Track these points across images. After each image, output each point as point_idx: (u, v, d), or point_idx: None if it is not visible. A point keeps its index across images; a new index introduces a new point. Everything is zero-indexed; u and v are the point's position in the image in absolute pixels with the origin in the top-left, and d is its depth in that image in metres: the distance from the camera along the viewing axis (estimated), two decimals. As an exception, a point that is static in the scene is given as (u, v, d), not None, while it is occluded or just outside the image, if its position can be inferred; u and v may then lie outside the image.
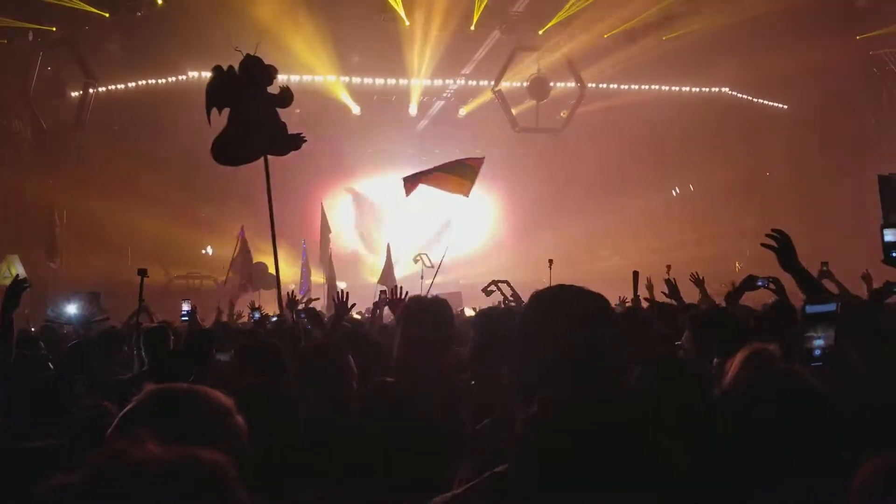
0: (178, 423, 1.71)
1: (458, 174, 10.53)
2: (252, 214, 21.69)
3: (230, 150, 6.79)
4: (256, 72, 6.77)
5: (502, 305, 9.69)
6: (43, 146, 20.20)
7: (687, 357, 3.90)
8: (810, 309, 2.84)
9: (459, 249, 25.62)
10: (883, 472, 1.68)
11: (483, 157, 10.63)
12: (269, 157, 6.88)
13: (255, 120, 6.74)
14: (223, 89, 6.69)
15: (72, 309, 9.63)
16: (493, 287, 10.63)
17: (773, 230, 3.59)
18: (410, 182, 10.15)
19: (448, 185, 10.48)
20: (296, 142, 6.95)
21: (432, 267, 13.06)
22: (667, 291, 7.13)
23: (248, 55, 6.78)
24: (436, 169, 10.55)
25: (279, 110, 6.92)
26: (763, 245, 3.57)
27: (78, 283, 14.71)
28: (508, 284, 10.19)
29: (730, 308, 5.81)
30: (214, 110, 6.68)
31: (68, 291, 11.15)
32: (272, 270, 20.50)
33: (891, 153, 21.26)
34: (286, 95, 6.95)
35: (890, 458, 1.69)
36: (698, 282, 7.86)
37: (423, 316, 3.26)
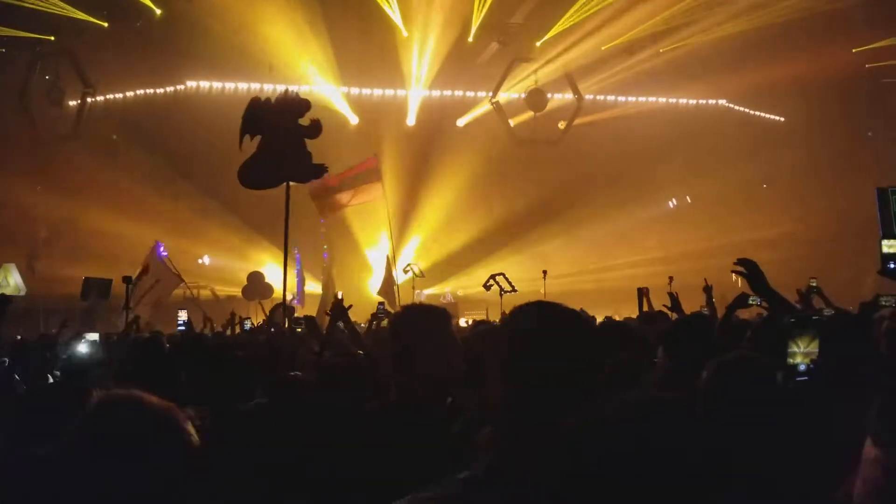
0: (123, 430, 1.74)
1: (363, 181, 10.93)
2: (247, 224, 21.75)
3: (255, 175, 7.10)
4: (292, 104, 7.07)
5: (501, 296, 9.94)
6: (39, 155, 20.16)
7: (660, 371, 3.75)
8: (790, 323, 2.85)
9: (455, 259, 25.64)
10: None
11: (375, 154, 11.13)
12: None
13: (283, 149, 7.03)
14: (258, 118, 7.00)
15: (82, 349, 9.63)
16: (491, 282, 10.85)
17: (738, 259, 3.70)
18: (320, 200, 10.54)
19: (363, 196, 10.88)
20: (318, 171, 7.33)
21: (423, 276, 13.13)
22: (669, 305, 7.12)
23: (287, 89, 7.19)
24: (338, 191, 10.88)
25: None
26: (733, 272, 3.68)
27: (72, 291, 14.65)
28: (504, 277, 10.43)
29: (725, 328, 5.77)
30: (247, 136, 6.99)
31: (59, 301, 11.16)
32: (268, 280, 20.48)
33: (888, 166, 21.29)
34: (315, 127, 7.22)
35: None
36: (708, 289, 7.82)
37: (416, 324, 3.08)
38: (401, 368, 2.86)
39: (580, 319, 1.90)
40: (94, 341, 7.28)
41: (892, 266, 3.68)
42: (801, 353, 2.69)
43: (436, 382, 2.81)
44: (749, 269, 3.69)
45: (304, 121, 7.36)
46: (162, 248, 15.09)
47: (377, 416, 2.83)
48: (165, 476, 1.75)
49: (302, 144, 7.29)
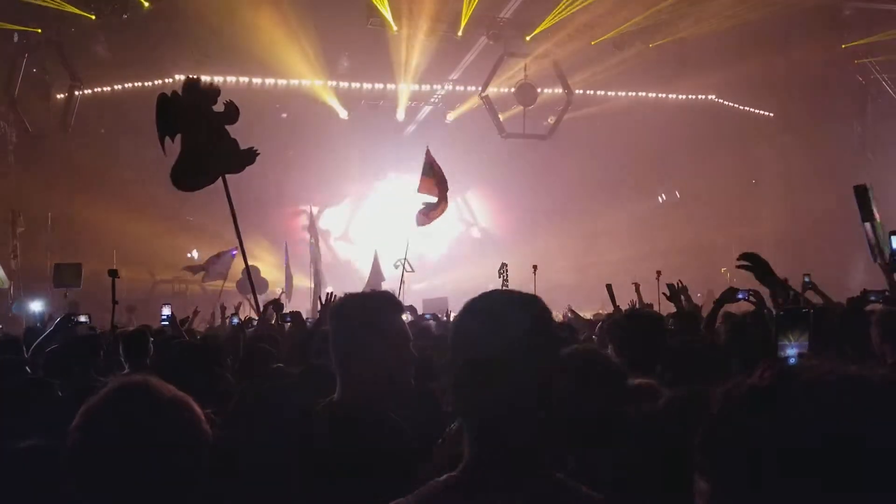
0: (140, 416, 1.72)
1: (427, 175, 10.97)
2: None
3: (187, 177, 6.85)
4: (201, 94, 6.80)
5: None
6: (28, 148, 20.03)
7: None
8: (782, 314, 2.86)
9: (445, 254, 25.66)
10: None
11: (427, 148, 11.21)
12: (230, 175, 6.97)
13: (206, 142, 6.76)
14: (171, 116, 6.71)
15: (36, 306, 9.59)
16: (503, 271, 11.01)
17: (742, 254, 3.79)
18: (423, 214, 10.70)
19: (426, 188, 10.91)
20: (249, 157, 7.02)
21: (413, 271, 13.15)
22: (667, 294, 7.16)
23: (188, 78, 6.83)
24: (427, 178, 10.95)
25: (230, 127, 6.99)
26: (738, 266, 3.74)
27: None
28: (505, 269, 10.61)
29: (710, 323, 5.79)
30: (168, 139, 6.72)
31: (35, 288, 11.16)
32: (264, 275, 20.45)
33: (875, 161, 21.42)
34: (231, 111, 6.99)
35: None
36: (681, 289, 7.86)
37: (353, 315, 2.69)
38: (341, 364, 2.59)
39: (531, 309, 1.73)
40: (85, 322, 7.24)
41: None
42: (792, 345, 2.68)
43: (376, 380, 2.54)
44: (753, 262, 3.75)
45: (218, 107, 7.06)
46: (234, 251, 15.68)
47: (318, 416, 2.56)
48: (180, 465, 1.73)
49: (224, 132, 7.00)
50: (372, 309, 2.64)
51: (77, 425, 1.73)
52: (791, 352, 2.67)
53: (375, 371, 2.52)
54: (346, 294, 2.92)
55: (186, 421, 1.77)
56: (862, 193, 5.47)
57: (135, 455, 1.68)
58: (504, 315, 1.68)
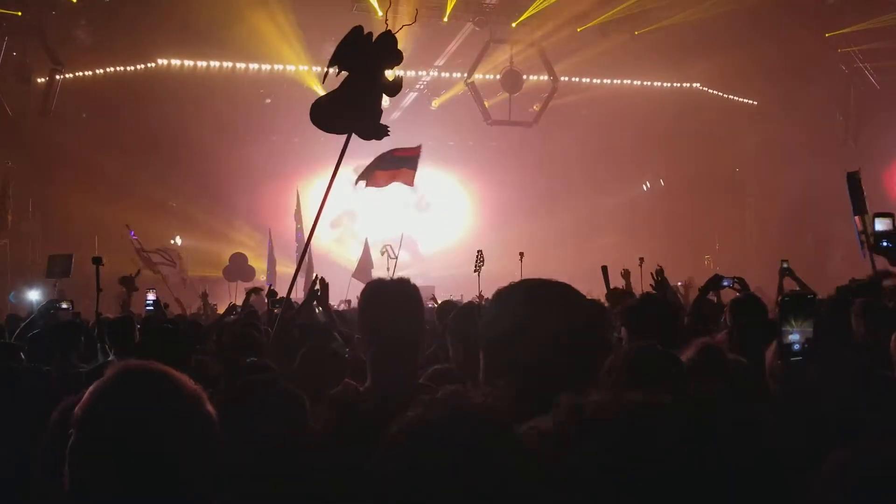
0: (151, 402, 1.70)
1: (404, 165, 10.66)
2: (220, 205, 21.58)
3: (325, 112, 6.57)
4: (387, 51, 6.50)
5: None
6: (8, 132, 19.82)
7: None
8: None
9: (431, 242, 25.66)
10: (846, 463, 1.64)
11: (419, 146, 10.74)
12: (342, 138, 6.72)
13: (361, 96, 6.50)
14: (353, 52, 6.40)
15: (34, 295, 9.53)
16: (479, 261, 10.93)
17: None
18: (362, 179, 10.22)
19: (400, 178, 10.58)
20: (380, 132, 6.74)
21: (396, 258, 13.15)
22: (652, 284, 7.20)
23: (388, 32, 6.51)
24: (376, 168, 10.52)
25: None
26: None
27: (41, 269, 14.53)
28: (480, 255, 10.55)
29: (695, 311, 5.83)
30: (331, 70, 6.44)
31: (31, 278, 11.05)
32: (252, 263, 20.41)
33: (858, 150, 21.55)
34: (397, 85, 6.73)
35: (852, 451, 1.65)
36: (659, 276, 7.93)
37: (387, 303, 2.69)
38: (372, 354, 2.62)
39: (575, 299, 1.71)
40: (68, 309, 7.20)
41: (884, 244, 3.71)
42: (795, 331, 2.64)
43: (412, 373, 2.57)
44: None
45: (390, 75, 6.75)
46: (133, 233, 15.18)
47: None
48: (195, 447, 1.72)
49: (379, 98, 6.68)
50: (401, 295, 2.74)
51: (86, 408, 1.70)
52: (794, 338, 2.63)
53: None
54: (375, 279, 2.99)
55: (197, 402, 1.76)
56: (855, 183, 5.39)
57: (151, 436, 1.66)
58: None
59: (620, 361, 2.56)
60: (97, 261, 6.58)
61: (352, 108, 6.48)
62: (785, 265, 7.32)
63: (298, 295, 11.28)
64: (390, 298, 2.71)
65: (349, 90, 6.40)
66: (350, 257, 21.22)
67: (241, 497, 2.24)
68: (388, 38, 6.49)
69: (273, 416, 2.52)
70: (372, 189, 9.93)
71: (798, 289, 6.60)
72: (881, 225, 3.74)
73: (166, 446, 1.67)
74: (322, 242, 25.19)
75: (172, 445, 1.67)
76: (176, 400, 1.72)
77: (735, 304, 5.39)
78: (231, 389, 2.74)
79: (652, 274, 7.21)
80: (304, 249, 7.43)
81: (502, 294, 1.73)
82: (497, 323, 1.71)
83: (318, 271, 14.44)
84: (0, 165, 19.24)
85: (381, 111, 6.65)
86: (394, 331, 2.63)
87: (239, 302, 11.23)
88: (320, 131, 6.26)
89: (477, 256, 10.85)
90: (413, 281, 2.79)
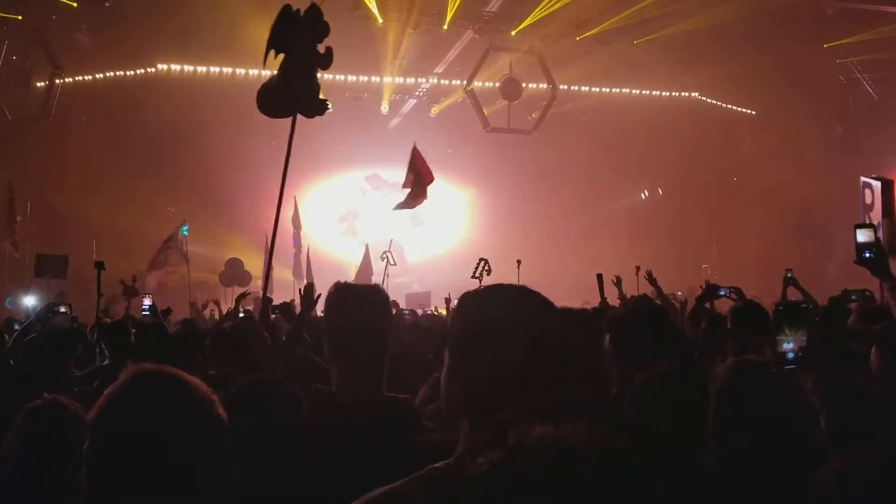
0: (164, 406, 1.71)
1: (411, 170, 11.07)
2: (218, 210, 21.55)
3: (270, 99, 6.57)
4: (316, 24, 6.47)
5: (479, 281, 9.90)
6: (8, 136, 19.81)
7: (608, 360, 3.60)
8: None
9: (428, 250, 25.65)
10: (844, 470, 1.64)
11: (413, 144, 11.20)
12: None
13: (298, 74, 6.47)
14: (286, 33, 6.40)
15: (30, 300, 9.51)
16: (480, 267, 10.87)
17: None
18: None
19: (409, 182, 11.02)
20: (321, 108, 6.70)
21: (395, 264, 13.16)
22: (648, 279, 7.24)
23: (313, 4, 6.49)
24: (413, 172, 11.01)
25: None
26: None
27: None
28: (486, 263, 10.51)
29: (693, 321, 5.79)
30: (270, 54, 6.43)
31: (27, 282, 11.02)
32: (248, 268, 20.31)
33: (857, 160, 21.59)
34: (328, 57, 6.66)
35: (852, 458, 1.65)
36: (652, 280, 7.98)
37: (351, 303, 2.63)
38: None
39: (542, 303, 1.72)
40: (66, 313, 7.17)
41: (867, 255, 3.69)
42: (790, 340, 2.66)
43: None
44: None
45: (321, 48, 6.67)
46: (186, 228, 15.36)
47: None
48: (209, 451, 1.72)
49: (314, 74, 6.60)
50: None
51: (101, 412, 1.71)
52: (788, 346, 2.65)
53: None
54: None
55: (209, 406, 1.77)
56: (889, 188, 5.43)
57: (165, 440, 1.67)
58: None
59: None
60: (99, 265, 6.57)
61: (292, 90, 6.47)
62: (789, 274, 7.34)
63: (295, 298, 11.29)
64: (354, 304, 2.63)
65: (288, 71, 6.41)
66: (350, 261, 21.25)
67: (241, 497, 2.25)
68: (314, 10, 6.54)
69: (276, 416, 2.55)
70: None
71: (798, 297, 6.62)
72: (862, 236, 3.73)
73: (180, 449, 1.68)
74: (325, 246, 25.24)
75: (185, 448, 1.69)
76: (189, 404, 1.74)
77: (734, 312, 5.35)
78: (236, 390, 2.75)
79: (646, 276, 7.25)
80: (272, 245, 7.46)
81: (468, 297, 1.76)
82: (460, 325, 1.74)
83: (319, 277, 14.48)
84: (4, 170, 19.23)
85: (318, 86, 6.61)
86: (358, 337, 2.54)
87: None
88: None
89: (481, 265, 10.79)
90: (411, 287, 2.82)
